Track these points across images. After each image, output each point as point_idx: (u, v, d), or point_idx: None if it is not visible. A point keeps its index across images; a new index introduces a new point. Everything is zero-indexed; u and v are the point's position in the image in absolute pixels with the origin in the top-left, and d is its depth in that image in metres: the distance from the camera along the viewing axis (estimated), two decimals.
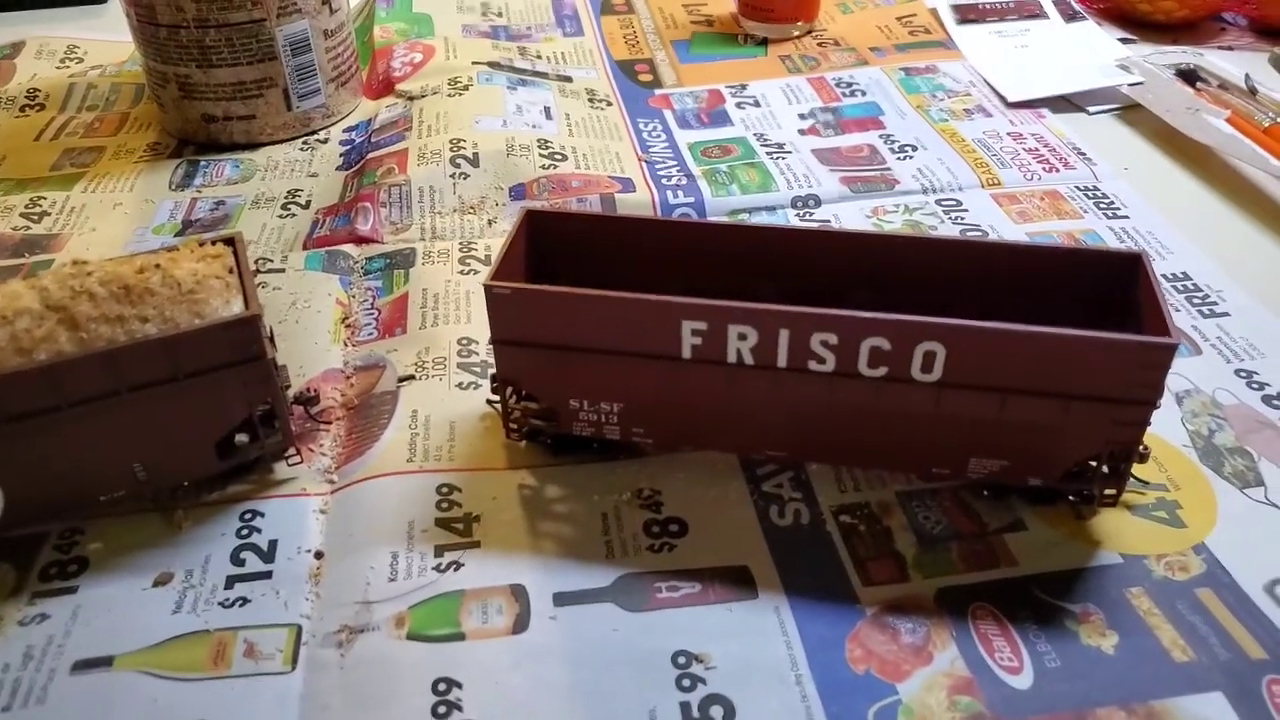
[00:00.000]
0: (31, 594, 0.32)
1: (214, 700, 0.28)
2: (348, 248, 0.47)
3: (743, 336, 0.31)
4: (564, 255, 0.37)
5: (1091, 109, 0.59)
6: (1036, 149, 0.55)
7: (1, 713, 0.28)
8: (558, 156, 0.52)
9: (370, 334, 0.42)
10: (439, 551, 0.32)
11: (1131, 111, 0.59)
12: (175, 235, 0.49)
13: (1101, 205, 0.50)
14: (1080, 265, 0.35)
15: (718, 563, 0.32)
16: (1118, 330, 0.34)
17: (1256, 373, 0.40)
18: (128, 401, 0.31)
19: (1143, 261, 0.33)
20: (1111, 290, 0.34)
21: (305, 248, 0.47)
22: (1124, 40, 0.67)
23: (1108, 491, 0.33)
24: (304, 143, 0.57)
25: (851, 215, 0.50)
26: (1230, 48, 0.66)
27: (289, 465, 0.36)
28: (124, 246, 0.48)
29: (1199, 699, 0.28)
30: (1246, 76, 0.59)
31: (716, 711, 0.28)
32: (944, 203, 0.50)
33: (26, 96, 0.61)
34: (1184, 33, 0.68)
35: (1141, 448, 0.32)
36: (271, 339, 0.34)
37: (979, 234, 0.48)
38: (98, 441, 0.31)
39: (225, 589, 0.32)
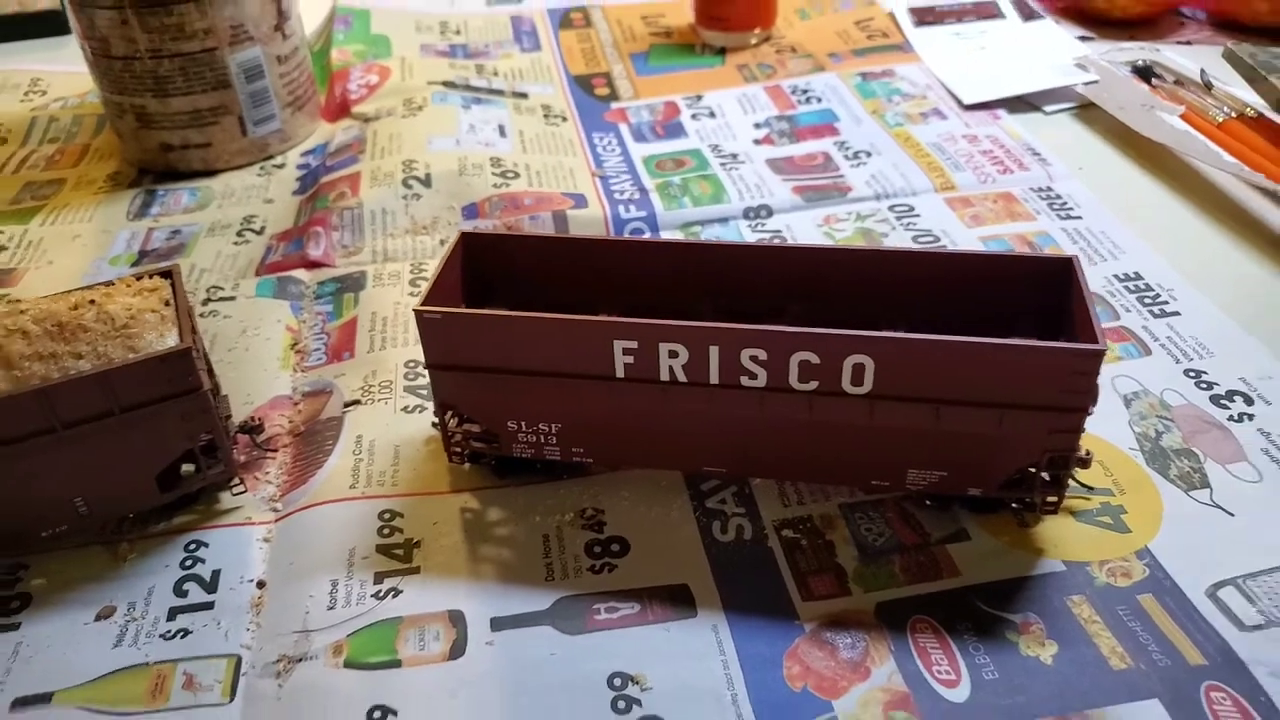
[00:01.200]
0: None
1: None
2: (299, 273, 0.47)
3: (674, 354, 0.31)
4: (504, 278, 0.37)
5: (1048, 109, 0.60)
6: (991, 150, 0.55)
7: None
8: (510, 174, 0.53)
9: (319, 359, 0.42)
10: (378, 578, 0.33)
11: (1088, 110, 0.59)
12: (131, 265, 0.49)
13: (1055, 206, 0.50)
14: (1014, 271, 0.35)
15: (658, 581, 0.32)
16: (1054, 335, 0.34)
17: (1205, 372, 0.40)
18: (64, 438, 0.31)
19: (1074, 266, 0.33)
20: (1047, 295, 0.34)
21: (258, 274, 0.48)
22: (1083, 38, 0.67)
23: (1049, 499, 0.33)
24: (261, 168, 0.57)
25: (803, 225, 0.50)
26: (1189, 42, 0.66)
27: (234, 494, 0.36)
28: (81, 278, 0.48)
29: (1136, 706, 0.28)
30: (1202, 71, 0.59)
31: None
32: (896, 209, 0.50)
33: None
34: (1142, 29, 0.68)
35: (1083, 453, 0.32)
36: (210, 370, 0.34)
37: (930, 239, 0.48)
38: (36, 478, 0.32)
39: (167, 620, 0.32)
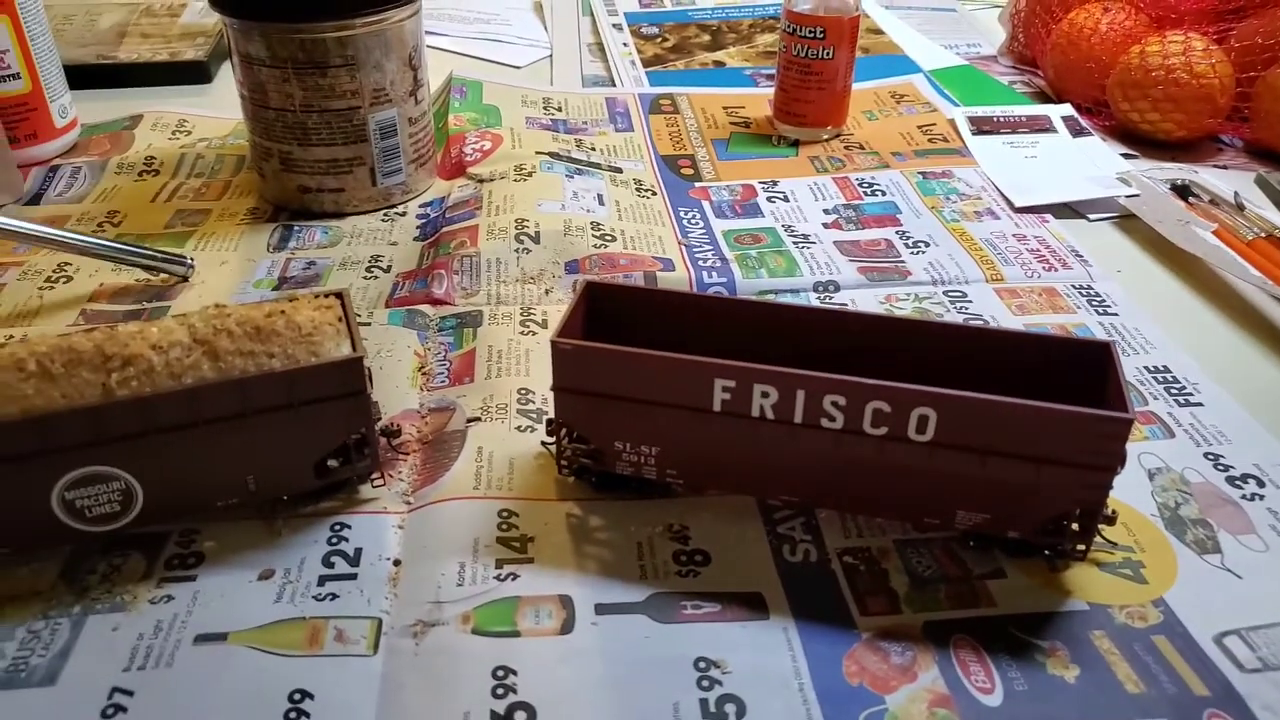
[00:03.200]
0: (159, 579, 0.38)
1: (310, 673, 0.34)
2: (424, 307, 0.54)
3: (765, 394, 0.37)
4: (613, 320, 0.43)
5: (1091, 216, 0.66)
6: (1038, 249, 0.61)
7: (137, 671, 0.34)
8: (608, 237, 0.59)
9: (443, 381, 0.48)
10: (499, 564, 0.38)
11: (1128, 220, 0.65)
12: (273, 290, 0.56)
13: (1094, 303, 0.56)
14: (1057, 350, 0.40)
15: (735, 589, 0.38)
16: (1091, 406, 0.40)
17: (1223, 456, 0.45)
18: (251, 423, 0.37)
19: (1110, 349, 0.39)
20: (1085, 374, 0.40)
21: (388, 305, 0.54)
22: (1126, 155, 0.74)
23: (1078, 546, 0.38)
24: (384, 214, 0.64)
25: (867, 300, 0.56)
26: (1225, 167, 0.73)
27: (373, 487, 0.42)
28: (229, 298, 0.55)
29: None
30: (1235, 194, 0.65)
31: (730, 708, 0.33)
32: (950, 294, 0.56)
33: (144, 163, 0.69)
34: (1183, 151, 0.74)
35: (1109, 510, 0.37)
36: (370, 378, 0.40)
37: (981, 323, 0.54)
38: (222, 455, 0.38)
39: (318, 585, 0.37)
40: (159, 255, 0.56)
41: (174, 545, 0.39)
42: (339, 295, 0.41)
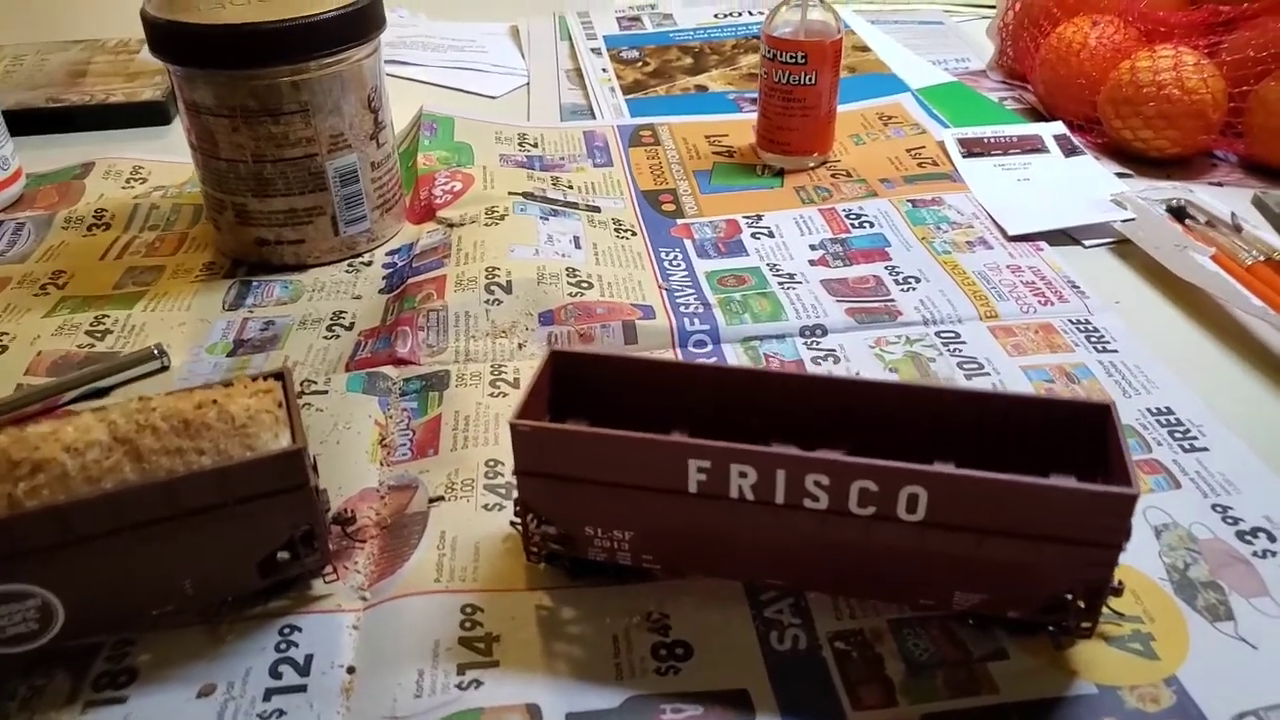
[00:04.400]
0: (85, 702, 0.35)
1: None
2: (387, 369, 0.51)
3: (743, 475, 0.34)
4: (586, 387, 0.40)
5: (1087, 243, 0.63)
6: (1033, 281, 0.58)
7: None
8: (584, 284, 0.56)
9: (405, 454, 0.46)
10: (461, 669, 0.35)
11: (1124, 246, 0.62)
12: (227, 355, 0.53)
13: (1092, 339, 0.53)
14: (1055, 413, 0.38)
15: (719, 686, 0.35)
16: (1093, 472, 0.37)
17: (1231, 508, 0.42)
18: (182, 526, 0.35)
19: (1110, 412, 0.36)
20: (1086, 437, 0.37)
21: (348, 369, 0.51)
22: (1121, 174, 0.71)
23: (1084, 624, 0.35)
24: (349, 265, 0.61)
25: (855, 345, 0.53)
26: (1221, 184, 0.70)
27: (325, 582, 0.39)
28: (179, 364, 0.52)
29: None
30: (1233, 214, 0.63)
31: None
32: (943, 335, 0.54)
33: (94, 216, 0.67)
34: (1177, 168, 0.72)
35: (1116, 583, 0.34)
36: (314, 467, 0.37)
37: (974, 366, 0.51)
38: (153, 561, 0.35)
39: (264, 701, 0.35)
40: (127, 362, 0.51)
41: (104, 661, 0.36)
42: (279, 376, 0.39)
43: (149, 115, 0.82)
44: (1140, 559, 0.40)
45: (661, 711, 0.34)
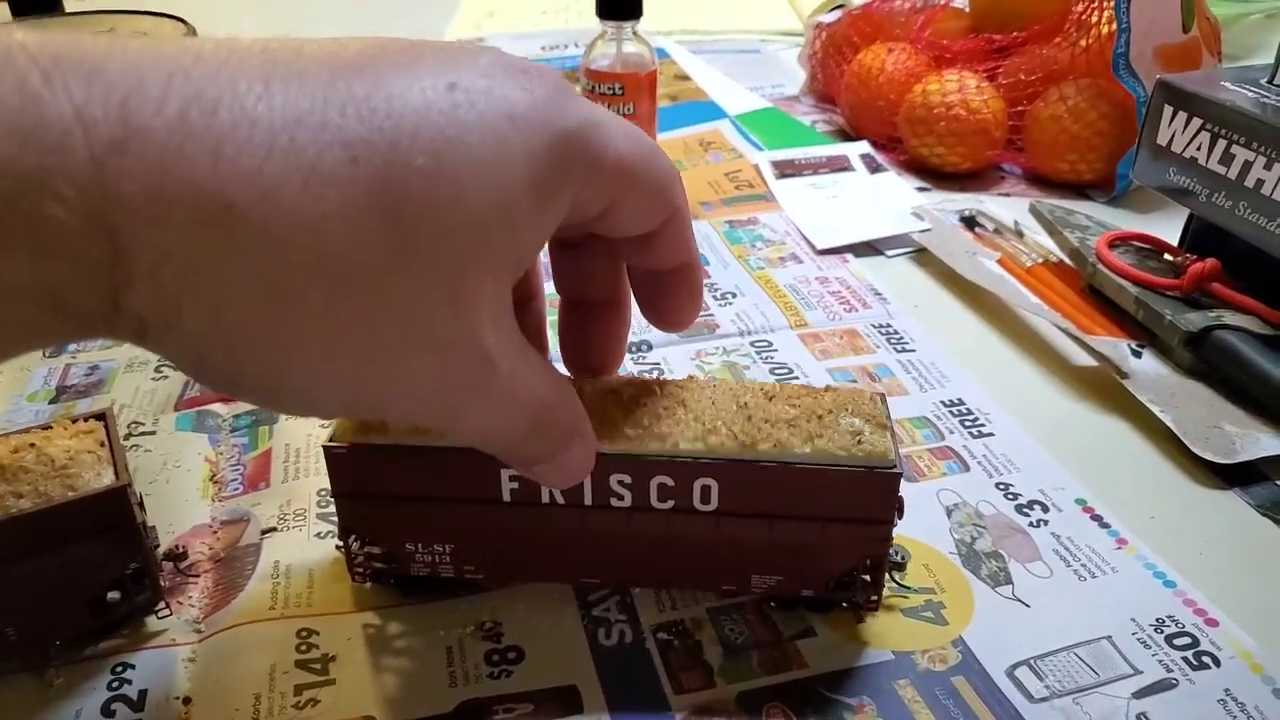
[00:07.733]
0: None
1: None
2: (216, 406, 0.51)
3: None
4: None
5: (889, 253, 0.68)
6: (839, 291, 0.63)
7: None
8: None
9: (236, 489, 0.46)
10: (298, 690, 0.36)
11: (923, 254, 0.68)
12: (50, 402, 0.52)
13: (892, 340, 0.58)
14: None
15: (550, 684, 0.37)
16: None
17: (1012, 484, 0.47)
18: (3, 571, 0.34)
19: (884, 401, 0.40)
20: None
21: (177, 408, 0.51)
22: (920, 189, 0.77)
23: (871, 597, 0.39)
24: None
25: (678, 357, 0.56)
26: (1008, 194, 0.77)
27: (159, 618, 0.39)
28: (0, 417, 0.51)
29: None
30: (1015, 222, 0.69)
31: None
32: (757, 344, 0.58)
33: None
34: (971, 181, 0.79)
35: (899, 557, 0.38)
36: (141, 504, 0.38)
37: (785, 371, 0.55)
38: None
39: None
40: None
41: None
42: (101, 417, 0.39)
43: None
44: (933, 537, 0.44)
45: (494, 712, 0.36)
